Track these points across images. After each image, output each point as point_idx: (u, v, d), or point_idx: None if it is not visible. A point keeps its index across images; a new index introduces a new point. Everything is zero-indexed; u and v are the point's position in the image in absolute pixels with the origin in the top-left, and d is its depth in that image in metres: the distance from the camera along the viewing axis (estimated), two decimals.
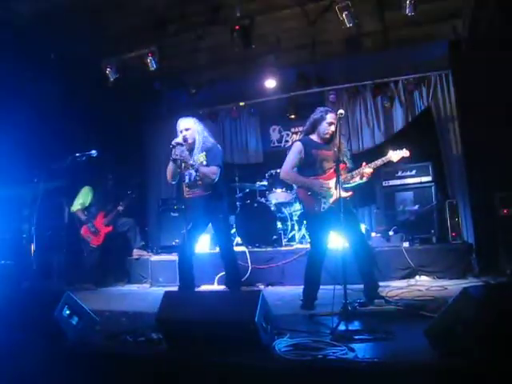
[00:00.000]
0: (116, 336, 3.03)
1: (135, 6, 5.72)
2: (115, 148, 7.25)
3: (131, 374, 2.61)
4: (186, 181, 4.45)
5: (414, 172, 6.20)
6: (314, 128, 4.20)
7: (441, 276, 5.25)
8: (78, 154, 5.20)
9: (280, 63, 7.19)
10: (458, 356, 2.19)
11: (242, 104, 8.11)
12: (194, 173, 4.35)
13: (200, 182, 4.37)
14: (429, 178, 6.13)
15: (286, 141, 8.21)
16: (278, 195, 6.55)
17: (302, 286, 4.16)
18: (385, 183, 6.40)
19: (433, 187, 6.09)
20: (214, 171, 4.31)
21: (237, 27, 5.78)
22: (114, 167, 7.03)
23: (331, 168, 4.04)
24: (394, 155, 4.10)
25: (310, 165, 4.11)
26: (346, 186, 4.06)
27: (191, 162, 4.30)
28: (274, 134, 8.36)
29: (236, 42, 5.90)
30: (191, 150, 4.41)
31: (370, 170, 4.01)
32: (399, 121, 7.27)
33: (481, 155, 5.83)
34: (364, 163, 4.04)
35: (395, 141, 6.96)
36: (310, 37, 6.54)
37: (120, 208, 6.59)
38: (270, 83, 7.41)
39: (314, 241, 4.17)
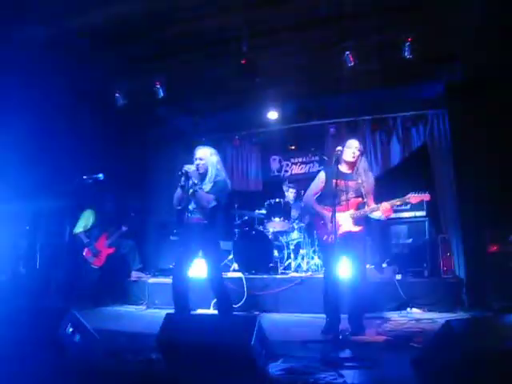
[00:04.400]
0: (116, 354, 3.14)
1: (147, 35, 5.95)
2: (118, 171, 7.39)
3: None
4: (189, 206, 4.57)
5: (408, 206, 6.32)
6: (339, 158, 4.30)
7: (431, 309, 5.37)
8: (85, 177, 5.31)
9: (281, 96, 7.41)
10: None
11: (244, 133, 8.33)
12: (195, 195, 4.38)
13: (200, 210, 4.47)
14: (423, 213, 6.30)
15: (286, 171, 8.41)
16: (275, 224, 6.70)
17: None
18: None
19: (426, 222, 6.25)
20: (208, 199, 4.35)
21: (243, 61, 6.02)
22: (115, 190, 7.15)
23: (347, 200, 4.24)
24: (414, 198, 4.19)
25: (328, 194, 4.30)
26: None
27: (196, 180, 4.36)
28: (274, 164, 8.54)
29: (242, 75, 6.14)
30: (202, 179, 4.49)
31: (388, 207, 4.12)
32: (396, 155, 7.46)
33: (473, 192, 6.03)
34: (384, 202, 4.17)
35: (392, 174, 7.21)
36: (311, 72, 6.78)
37: (124, 229, 6.72)
38: (272, 115, 7.62)
39: (325, 269, 4.35)
